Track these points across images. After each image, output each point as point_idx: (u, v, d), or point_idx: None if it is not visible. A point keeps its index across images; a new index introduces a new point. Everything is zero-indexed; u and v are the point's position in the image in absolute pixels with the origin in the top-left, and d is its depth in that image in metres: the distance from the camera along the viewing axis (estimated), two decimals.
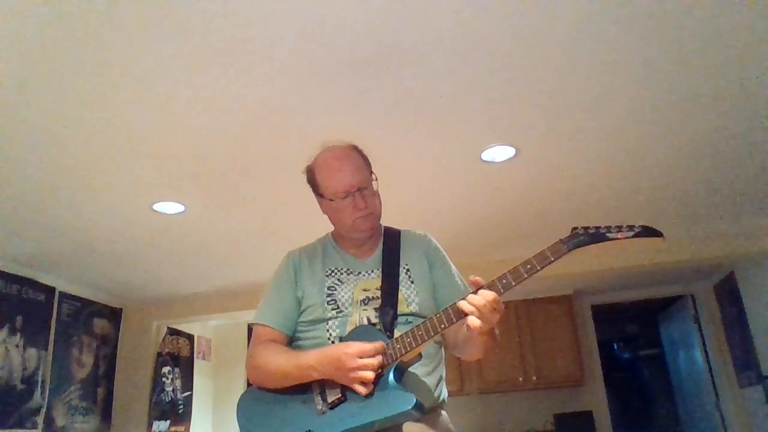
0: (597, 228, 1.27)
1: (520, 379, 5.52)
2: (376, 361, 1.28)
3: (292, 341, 1.53)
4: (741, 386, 5.12)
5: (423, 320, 1.35)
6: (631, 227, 1.25)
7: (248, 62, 2.08)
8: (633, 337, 7.80)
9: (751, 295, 4.77)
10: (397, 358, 1.32)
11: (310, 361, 1.35)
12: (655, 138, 2.82)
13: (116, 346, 4.97)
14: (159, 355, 5.08)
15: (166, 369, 5.14)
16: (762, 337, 4.61)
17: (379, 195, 1.56)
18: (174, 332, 5.35)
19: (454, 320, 1.30)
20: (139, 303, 5.05)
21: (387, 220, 3.59)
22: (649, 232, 1.25)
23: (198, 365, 5.70)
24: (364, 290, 1.49)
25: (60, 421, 4.22)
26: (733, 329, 5.15)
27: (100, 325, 4.80)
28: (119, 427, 4.81)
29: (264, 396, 1.45)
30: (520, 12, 1.91)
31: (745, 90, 2.44)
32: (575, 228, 1.30)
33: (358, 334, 1.39)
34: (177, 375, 5.33)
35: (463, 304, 1.27)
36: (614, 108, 2.53)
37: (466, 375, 5.66)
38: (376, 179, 1.57)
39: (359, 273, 1.53)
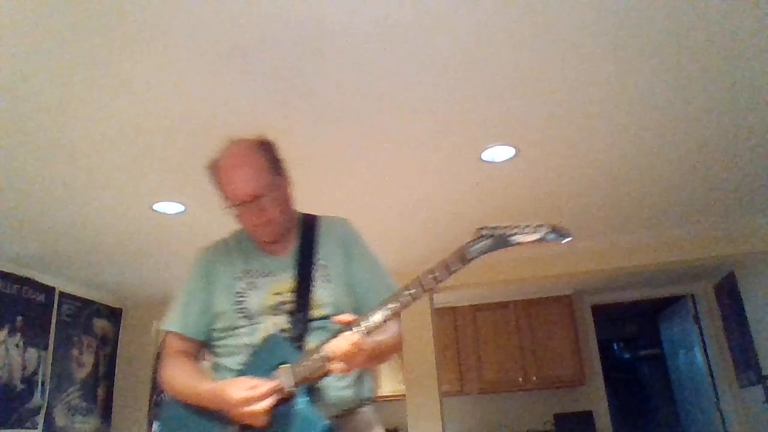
0: (503, 228, 1.16)
1: (520, 379, 5.52)
2: (264, 406, 1.24)
3: (207, 344, 1.49)
4: (741, 386, 5.12)
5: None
6: (537, 227, 1.14)
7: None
8: (633, 337, 7.80)
9: (751, 295, 4.77)
10: (305, 380, 1.28)
11: (204, 396, 1.34)
12: (655, 138, 2.81)
13: (116, 346, 4.97)
14: (159, 355, 5.08)
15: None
16: (762, 337, 4.61)
17: (286, 196, 1.48)
18: None
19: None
20: (139, 303, 5.04)
21: (386, 220, 3.61)
22: (555, 234, 1.13)
23: None
24: (276, 294, 1.41)
25: (60, 421, 4.22)
26: (733, 329, 5.15)
27: (100, 325, 4.80)
28: (119, 427, 4.80)
29: (185, 409, 1.40)
30: (520, 12, 1.91)
31: (745, 91, 2.44)
32: (481, 228, 1.18)
33: (267, 346, 1.36)
34: None
35: (331, 349, 1.23)
36: (614, 108, 2.53)
37: (466, 375, 5.66)
38: (285, 176, 1.48)
39: (273, 275, 1.45)
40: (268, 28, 1.91)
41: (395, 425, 5.76)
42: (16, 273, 3.95)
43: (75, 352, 4.47)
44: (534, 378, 5.50)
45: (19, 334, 3.92)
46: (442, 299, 5.45)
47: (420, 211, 3.58)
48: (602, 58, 2.17)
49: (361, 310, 1.32)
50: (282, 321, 1.39)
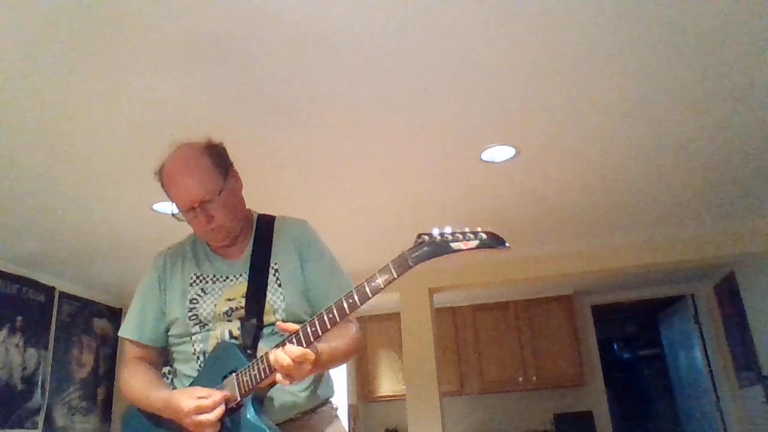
0: (442, 235, 1.14)
1: (520, 379, 5.52)
2: (213, 416, 1.23)
3: (165, 349, 1.49)
4: (741, 386, 5.12)
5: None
6: (476, 234, 1.14)
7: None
8: (633, 337, 7.81)
9: (751, 295, 4.77)
10: (252, 388, 1.26)
11: (156, 404, 1.34)
12: (655, 138, 2.82)
13: (116, 346, 4.96)
14: None
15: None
16: (762, 337, 4.61)
17: (235, 199, 1.45)
18: None
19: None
20: None
21: (386, 220, 3.61)
22: (493, 241, 1.13)
23: None
24: (228, 300, 1.39)
25: (60, 421, 4.22)
26: (733, 329, 5.15)
27: (100, 325, 4.80)
28: (119, 428, 4.80)
29: (144, 417, 1.40)
30: (520, 13, 1.91)
31: (745, 91, 2.44)
32: (421, 234, 1.16)
33: (219, 354, 1.35)
34: None
35: (270, 357, 1.19)
36: (615, 108, 2.53)
37: (466, 375, 5.66)
38: (234, 177, 1.45)
39: (226, 279, 1.43)
40: (265, 32, 1.91)
41: (395, 425, 5.77)
42: (16, 273, 3.95)
43: (75, 352, 4.47)
44: (534, 378, 5.50)
45: (19, 334, 3.92)
46: (442, 299, 5.46)
47: (420, 211, 3.58)
48: (602, 58, 2.17)
49: None
50: (234, 327, 1.37)
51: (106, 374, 4.81)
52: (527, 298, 5.70)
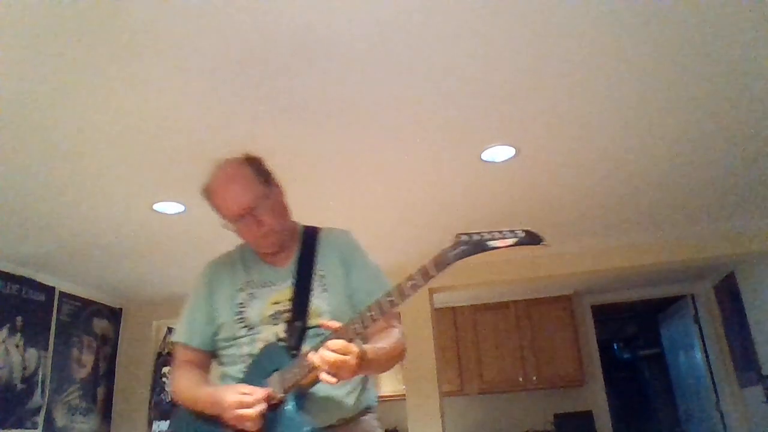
0: (480, 234, 1.19)
1: (520, 379, 5.53)
2: (254, 411, 1.28)
3: (213, 354, 1.55)
4: (741, 386, 5.12)
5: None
6: (513, 232, 1.17)
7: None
8: (633, 337, 7.81)
9: (751, 295, 4.77)
10: (294, 385, 1.32)
11: (202, 400, 1.41)
12: (655, 138, 2.82)
13: (116, 346, 4.97)
14: (159, 355, 5.08)
15: (166, 369, 5.14)
16: (762, 337, 4.62)
17: (281, 204, 1.52)
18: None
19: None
20: (139, 303, 5.05)
21: (386, 221, 3.63)
22: (530, 238, 1.16)
23: None
24: (274, 304, 1.45)
25: (60, 421, 4.22)
26: (733, 329, 5.15)
27: (100, 325, 4.80)
28: (119, 427, 4.81)
29: (192, 417, 1.46)
30: (520, 12, 1.91)
31: (744, 91, 2.44)
32: (460, 234, 1.21)
33: (265, 355, 1.41)
34: None
35: (314, 358, 1.23)
36: (615, 108, 2.53)
37: (466, 375, 5.67)
38: (276, 185, 1.52)
39: (273, 285, 1.49)
40: (265, 36, 1.91)
41: (395, 425, 5.77)
42: (16, 273, 3.95)
43: (75, 352, 4.47)
44: (534, 378, 5.50)
45: (19, 334, 3.92)
46: (442, 299, 5.46)
47: (420, 211, 3.58)
48: (602, 58, 2.18)
49: None
50: (280, 330, 1.42)
51: (106, 374, 4.81)
52: (527, 298, 5.70)
